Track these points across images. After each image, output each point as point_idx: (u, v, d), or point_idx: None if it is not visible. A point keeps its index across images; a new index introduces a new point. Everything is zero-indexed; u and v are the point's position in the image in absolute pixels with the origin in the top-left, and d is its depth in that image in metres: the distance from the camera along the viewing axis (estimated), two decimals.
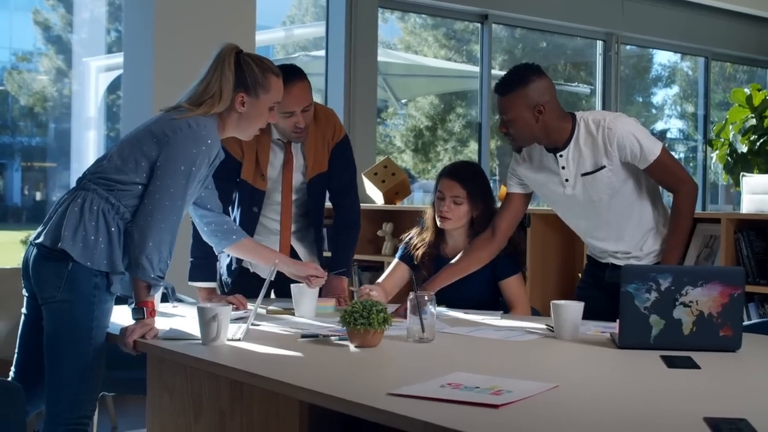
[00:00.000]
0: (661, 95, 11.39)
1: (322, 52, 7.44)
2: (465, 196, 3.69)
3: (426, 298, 2.85)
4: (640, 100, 11.06)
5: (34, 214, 7.83)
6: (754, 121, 8.89)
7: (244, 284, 3.73)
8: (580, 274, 5.05)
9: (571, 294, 5.07)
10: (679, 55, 10.49)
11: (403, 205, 6.33)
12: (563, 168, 3.40)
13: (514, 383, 2.21)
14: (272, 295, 3.90)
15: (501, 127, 3.40)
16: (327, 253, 3.97)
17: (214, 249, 3.45)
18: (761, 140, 8.78)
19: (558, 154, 3.39)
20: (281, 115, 3.55)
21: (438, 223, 3.74)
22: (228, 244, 3.36)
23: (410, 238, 3.88)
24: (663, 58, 10.65)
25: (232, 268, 3.79)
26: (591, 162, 3.35)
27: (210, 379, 2.80)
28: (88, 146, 7.37)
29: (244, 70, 3.05)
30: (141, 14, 5.68)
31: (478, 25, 8.23)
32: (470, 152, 9.29)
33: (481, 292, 3.68)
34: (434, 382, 2.21)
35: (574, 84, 9.88)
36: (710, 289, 2.70)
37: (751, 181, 5.23)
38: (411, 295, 2.87)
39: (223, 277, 3.82)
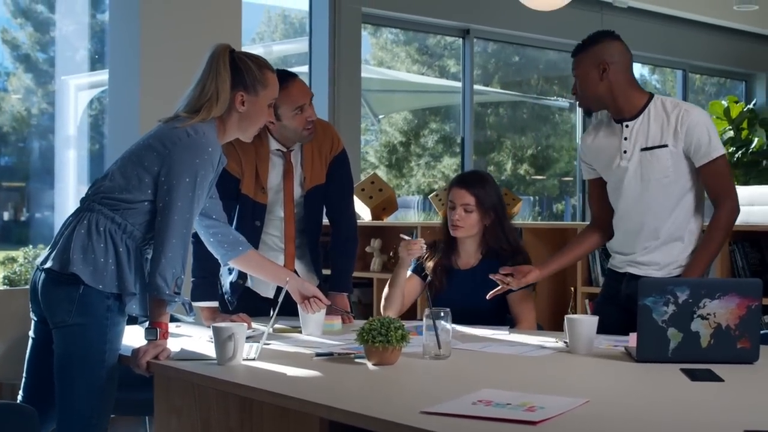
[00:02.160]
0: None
1: (302, 68, 7.42)
2: (475, 204, 3.70)
3: (442, 313, 2.83)
4: None
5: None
6: (731, 134, 9.00)
7: (246, 303, 3.69)
8: (572, 288, 5.10)
9: (564, 308, 5.10)
10: (647, 69, 10.57)
11: (390, 221, 6.31)
12: (625, 139, 3.41)
13: (544, 399, 2.19)
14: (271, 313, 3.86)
15: (573, 88, 3.51)
16: (326, 271, 3.93)
17: (220, 261, 3.37)
18: (739, 152, 8.88)
19: (624, 124, 3.41)
20: (292, 114, 3.54)
21: (451, 232, 3.74)
22: (234, 255, 3.30)
23: (422, 254, 3.86)
24: (635, 71, 10.72)
25: (238, 283, 3.74)
26: (656, 138, 3.35)
27: (219, 399, 2.76)
28: (68, 165, 7.29)
29: (241, 69, 3.00)
30: (126, 30, 5.64)
31: (451, 39, 8.25)
32: (444, 167, 9.30)
33: (490, 307, 3.66)
34: (465, 399, 2.19)
35: (553, 98, 9.94)
36: (727, 302, 2.70)
37: None
38: (426, 311, 2.85)
39: (226, 296, 3.78)
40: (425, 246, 3.68)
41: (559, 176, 10.30)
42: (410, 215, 8.66)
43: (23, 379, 3.05)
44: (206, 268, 3.52)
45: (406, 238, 3.67)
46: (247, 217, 3.67)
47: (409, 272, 3.85)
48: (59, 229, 2.96)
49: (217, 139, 2.97)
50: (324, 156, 3.76)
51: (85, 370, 2.83)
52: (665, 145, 3.34)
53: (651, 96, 3.43)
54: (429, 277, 3.78)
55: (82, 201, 2.97)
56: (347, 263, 3.85)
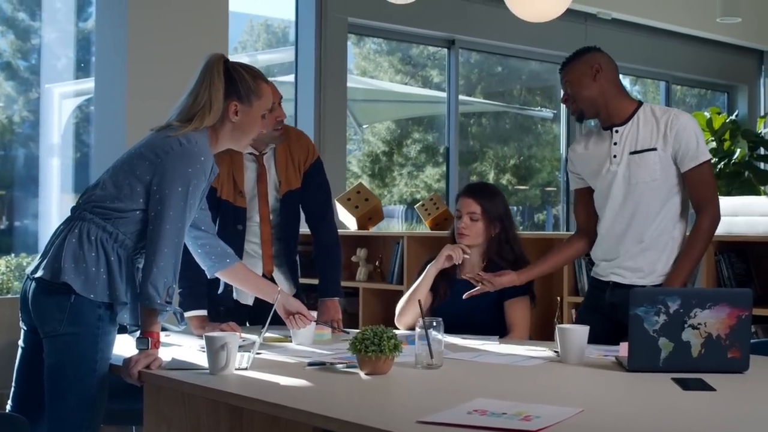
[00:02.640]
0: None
1: (287, 77, 7.43)
2: (481, 213, 3.76)
3: (434, 323, 2.84)
4: None
5: None
6: (714, 144, 9.02)
7: (225, 311, 3.68)
8: (559, 298, 5.11)
9: (550, 317, 5.11)
10: (629, 80, 10.62)
11: (376, 230, 6.31)
12: (615, 144, 3.46)
13: (539, 408, 2.20)
14: (248, 324, 3.87)
15: (563, 96, 3.56)
16: (303, 281, 3.95)
17: (206, 273, 3.36)
18: (722, 163, 8.92)
19: (614, 129, 3.47)
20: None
21: (457, 241, 3.77)
22: (221, 267, 3.30)
23: (429, 260, 3.89)
24: None
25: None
26: (645, 141, 3.41)
27: (209, 408, 2.75)
28: (52, 173, 7.26)
29: (235, 78, 2.99)
30: (113, 38, 5.63)
31: (434, 49, 8.28)
32: (426, 177, 9.30)
33: (487, 316, 3.67)
34: (460, 409, 2.20)
35: (537, 108, 9.96)
36: (718, 311, 2.71)
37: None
38: (419, 321, 2.86)
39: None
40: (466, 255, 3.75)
41: (542, 186, 10.32)
42: (393, 225, 8.65)
43: (12, 389, 3.03)
44: (193, 278, 3.50)
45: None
46: (229, 223, 3.67)
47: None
48: (50, 238, 2.95)
49: (209, 149, 2.96)
50: (297, 163, 3.78)
51: (76, 379, 2.82)
52: (654, 149, 3.39)
53: (640, 103, 3.50)
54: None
55: (73, 210, 2.95)
56: (334, 269, 3.86)
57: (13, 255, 6.93)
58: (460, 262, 3.76)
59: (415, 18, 7.66)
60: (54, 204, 6.99)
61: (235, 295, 3.74)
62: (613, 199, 3.50)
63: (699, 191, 3.40)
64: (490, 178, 9.52)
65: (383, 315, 5.75)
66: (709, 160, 3.40)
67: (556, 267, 3.81)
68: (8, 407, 3.03)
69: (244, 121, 3.02)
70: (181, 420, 2.85)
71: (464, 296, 3.60)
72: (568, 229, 9.34)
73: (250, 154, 3.70)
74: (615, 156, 3.46)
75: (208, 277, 3.41)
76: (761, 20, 9.79)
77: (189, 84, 3.03)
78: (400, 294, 5.60)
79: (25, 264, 6.71)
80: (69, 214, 2.97)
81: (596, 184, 3.57)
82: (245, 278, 3.40)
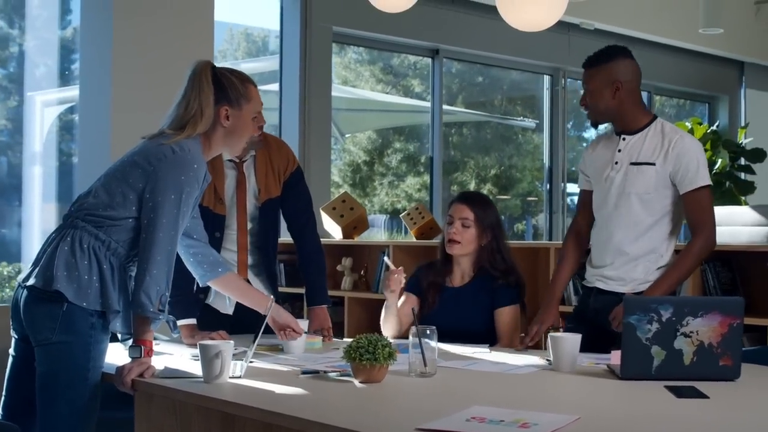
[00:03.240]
0: (603, 129, 11.54)
1: (269, 86, 7.42)
2: (473, 219, 3.74)
3: (428, 331, 2.84)
4: (585, 135, 11.23)
5: None
6: None
7: (204, 317, 3.66)
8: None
9: None
10: None
11: (361, 239, 6.31)
12: (619, 151, 3.50)
13: (536, 416, 2.20)
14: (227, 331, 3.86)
15: (582, 100, 3.56)
16: (283, 289, 3.94)
17: (198, 282, 3.34)
18: None
19: (622, 137, 3.51)
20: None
21: (447, 249, 3.76)
22: (213, 276, 3.28)
23: (416, 272, 3.89)
24: None
25: (199, 297, 3.72)
26: (646, 155, 3.43)
27: (200, 417, 2.73)
28: (34, 181, 7.23)
29: (224, 84, 3.00)
30: (97, 47, 5.62)
31: (415, 59, 8.30)
32: (407, 187, 9.31)
33: (476, 325, 3.68)
34: (458, 416, 2.20)
35: (519, 118, 10.00)
36: (710, 320, 2.73)
37: None
38: (413, 329, 2.86)
39: None
40: (404, 278, 3.69)
41: (522, 196, 10.35)
42: (374, 234, 8.66)
43: (3, 398, 3.02)
44: (183, 286, 3.49)
45: (387, 261, 3.67)
46: (207, 230, 3.65)
47: (405, 291, 3.86)
48: (42, 246, 2.93)
49: (202, 156, 2.96)
50: (278, 171, 3.77)
51: (68, 388, 2.81)
52: (653, 164, 3.41)
53: (654, 117, 3.53)
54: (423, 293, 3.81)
55: (65, 218, 2.94)
56: (320, 276, 3.86)
57: None
58: (395, 289, 3.67)
59: (399, 27, 7.68)
60: (36, 213, 6.96)
61: (210, 300, 3.72)
62: (606, 207, 3.54)
63: (695, 215, 3.43)
64: (471, 187, 9.54)
65: (368, 324, 5.75)
66: (709, 186, 3.42)
67: (570, 278, 3.79)
68: None
69: (236, 125, 3.02)
70: (173, 429, 2.84)
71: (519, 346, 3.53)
72: (550, 239, 9.37)
73: (230, 161, 3.70)
74: (617, 163, 3.50)
75: (200, 285, 3.40)
76: (742, 31, 9.87)
77: (178, 92, 3.02)
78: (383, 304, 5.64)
79: (6, 273, 6.67)
80: (51, 222, 2.97)
81: (596, 188, 3.62)
82: (237, 288, 3.39)
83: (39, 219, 6.88)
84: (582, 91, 3.59)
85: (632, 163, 3.46)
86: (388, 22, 7.45)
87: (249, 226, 3.74)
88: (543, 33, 6.54)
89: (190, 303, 3.59)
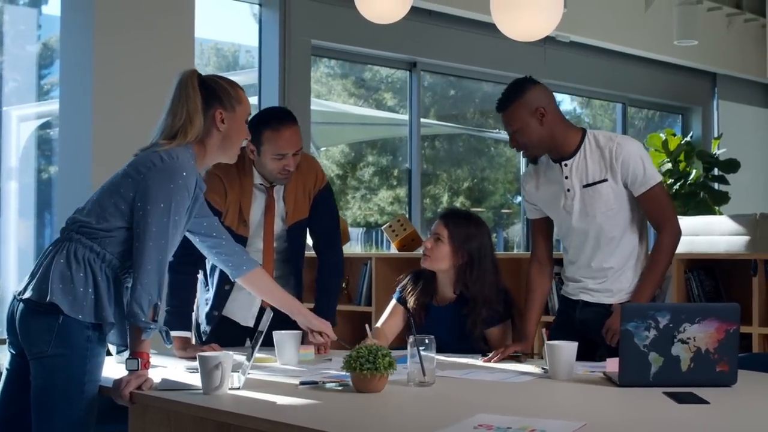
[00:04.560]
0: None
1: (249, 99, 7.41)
2: (447, 237, 3.67)
3: (426, 341, 2.84)
4: None
5: None
6: (669, 166, 9.19)
7: (223, 332, 3.67)
8: None
9: None
10: (575, 103, 10.74)
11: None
12: (566, 177, 3.46)
13: (543, 423, 2.21)
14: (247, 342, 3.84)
15: (512, 142, 3.48)
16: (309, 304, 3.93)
17: (229, 277, 3.35)
18: (677, 184, 9.07)
19: (563, 164, 3.46)
20: (272, 157, 3.54)
21: (420, 263, 3.74)
22: (239, 275, 3.29)
23: (404, 284, 3.86)
24: (567, 105, 10.89)
25: (214, 314, 3.72)
26: (595, 174, 3.42)
27: (195, 426, 2.72)
28: (10, 197, 7.18)
29: (214, 88, 2.99)
30: (77, 61, 5.59)
31: (388, 72, 8.31)
32: (379, 200, 9.32)
33: (463, 344, 3.64)
34: (465, 424, 2.21)
35: (495, 130, 10.03)
36: (707, 326, 2.75)
37: None
38: (411, 339, 2.86)
39: (201, 327, 3.75)
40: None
41: (495, 209, 10.38)
42: (350, 248, 8.65)
43: None
44: (180, 298, 3.49)
45: (369, 333, 3.61)
46: None
47: (394, 301, 3.85)
48: (38, 259, 2.92)
49: (192, 164, 2.93)
50: (308, 191, 3.76)
51: (64, 401, 2.78)
52: (605, 180, 3.42)
53: (584, 131, 3.49)
54: (410, 311, 3.77)
55: (62, 231, 2.93)
56: (333, 296, 3.86)
57: None
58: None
59: (377, 40, 7.71)
60: (12, 228, 6.90)
61: (229, 313, 3.72)
62: (574, 232, 3.53)
63: (655, 212, 3.45)
64: (444, 200, 9.56)
65: (351, 336, 5.71)
66: (660, 182, 3.44)
67: (541, 309, 3.72)
68: None
69: (231, 128, 3.00)
70: None
71: (482, 360, 3.43)
72: (527, 250, 9.38)
73: (261, 184, 3.69)
74: (569, 190, 3.47)
75: (231, 280, 3.39)
76: (716, 43, 9.98)
77: (165, 102, 3.01)
78: (368, 316, 5.64)
79: None
80: (28, 238, 2.95)
81: (554, 216, 3.61)
82: (266, 287, 3.40)
83: (15, 235, 6.82)
84: (507, 135, 3.50)
85: (585, 186, 3.43)
86: (365, 35, 7.49)
87: (274, 244, 3.74)
88: (519, 46, 6.59)
89: (186, 315, 3.58)
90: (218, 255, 3.25)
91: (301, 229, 3.77)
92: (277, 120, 3.58)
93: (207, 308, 3.73)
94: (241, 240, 3.63)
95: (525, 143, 3.44)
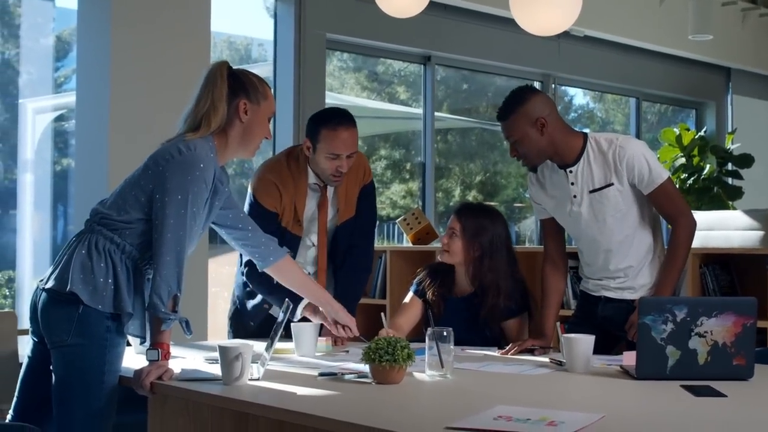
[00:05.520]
0: None
1: None
2: (460, 230, 3.72)
3: (444, 333, 2.86)
4: None
5: None
6: (683, 160, 9.16)
7: (268, 328, 3.69)
8: None
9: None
10: (588, 97, 10.72)
11: None
12: (572, 184, 3.45)
13: (562, 414, 2.23)
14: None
15: (511, 152, 3.46)
16: None
17: (258, 268, 3.37)
18: (691, 179, 9.05)
19: (568, 170, 3.45)
20: (326, 156, 3.58)
21: (439, 257, 3.77)
22: (266, 265, 3.32)
23: (422, 277, 3.88)
24: (580, 100, 10.88)
25: (264, 307, 3.78)
26: (600, 179, 3.40)
27: (214, 418, 2.74)
28: (26, 188, 7.22)
29: (241, 79, 3.00)
30: (95, 55, 5.61)
31: (401, 66, 8.31)
32: (392, 194, 9.32)
33: (481, 335, 3.68)
34: (485, 415, 2.22)
35: None
36: (724, 320, 2.77)
37: None
38: (429, 331, 2.88)
39: (244, 318, 3.84)
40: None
41: (507, 203, 10.38)
42: None
43: (15, 400, 3.01)
44: (265, 280, 3.51)
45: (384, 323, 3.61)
46: None
47: (411, 294, 3.88)
48: (61, 250, 2.96)
49: (210, 156, 2.93)
50: (357, 187, 3.81)
51: (83, 391, 2.81)
52: (611, 184, 3.41)
53: (585, 136, 3.48)
54: (429, 303, 3.79)
55: (86, 223, 2.97)
56: (358, 290, 3.91)
57: None
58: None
59: (391, 34, 7.71)
60: (27, 220, 6.95)
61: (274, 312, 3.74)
62: (586, 237, 3.54)
63: (667, 207, 3.45)
64: (456, 194, 9.57)
65: (366, 329, 5.74)
66: (668, 178, 3.43)
67: (557, 308, 3.71)
68: (9, 417, 3.01)
69: (253, 121, 3.00)
70: (187, 430, 2.85)
71: (499, 353, 3.47)
72: (540, 243, 9.38)
73: (315, 184, 3.73)
74: (575, 196, 3.47)
75: (259, 271, 3.40)
76: (730, 38, 9.95)
77: (192, 95, 3.03)
78: (383, 308, 5.65)
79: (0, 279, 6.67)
80: (44, 230, 2.98)
81: (563, 221, 3.60)
82: (295, 278, 3.42)
83: (30, 226, 6.86)
84: (507, 145, 3.49)
85: (592, 191, 3.43)
86: (381, 29, 7.50)
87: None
88: (533, 40, 6.59)
89: (281, 288, 3.47)
90: (245, 246, 3.28)
91: (348, 227, 3.81)
92: (336, 120, 3.62)
93: (255, 301, 3.76)
94: (295, 240, 3.67)
95: (525, 153, 3.43)
